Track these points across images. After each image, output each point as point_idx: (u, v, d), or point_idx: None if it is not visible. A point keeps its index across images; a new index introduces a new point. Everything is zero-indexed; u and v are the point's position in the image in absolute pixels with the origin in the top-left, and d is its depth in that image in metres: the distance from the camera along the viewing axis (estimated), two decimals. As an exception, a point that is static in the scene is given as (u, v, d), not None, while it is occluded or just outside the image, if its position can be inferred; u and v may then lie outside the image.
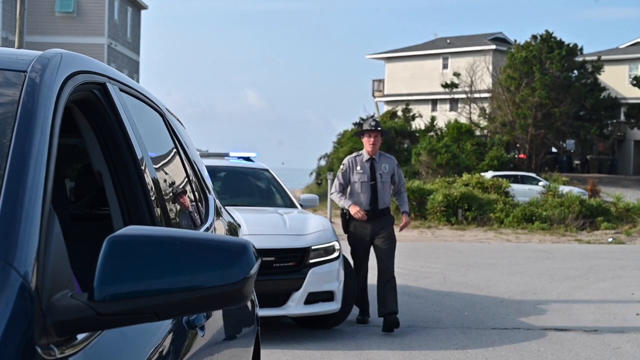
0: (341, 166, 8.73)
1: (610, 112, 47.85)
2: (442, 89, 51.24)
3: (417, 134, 46.17)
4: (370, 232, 8.47)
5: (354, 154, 8.81)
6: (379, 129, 8.63)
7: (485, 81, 48.40)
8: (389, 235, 8.53)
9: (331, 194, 8.75)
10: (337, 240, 8.20)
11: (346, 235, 8.70)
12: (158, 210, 2.36)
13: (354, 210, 8.43)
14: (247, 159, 10.48)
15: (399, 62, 59.06)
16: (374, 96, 60.36)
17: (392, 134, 45.56)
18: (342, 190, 8.63)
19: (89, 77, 2.13)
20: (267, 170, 10.11)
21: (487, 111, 47.78)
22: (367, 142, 8.60)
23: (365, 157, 8.64)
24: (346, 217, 8.63)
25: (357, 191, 8.55)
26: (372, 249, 8.63)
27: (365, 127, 8.69)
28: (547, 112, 44.35)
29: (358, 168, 8.59)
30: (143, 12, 46.15)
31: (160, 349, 2.04)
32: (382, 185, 8.57)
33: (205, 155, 10.35)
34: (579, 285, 12.24)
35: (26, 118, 1.68)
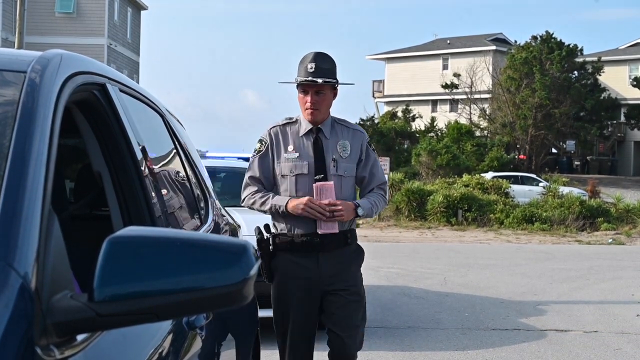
0: (257, 145, 4.47)
1: (611, 113, 47.90)
2: (442, 90, 51.26)
3: (417, 135, 46.20)
4: (316, 276, 4.31)
5: (284, 120, 4.49)
6: (327, 80, 4.36)
7: (485, 82, 48.43)
8: (352, 285, 4.37)
9: (242, 200, 4.49)
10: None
11: (270, 283, 4.45)
12: (158, 211, 2.36)
13: (294, 203, 4.27)
14: (247, 160, 10.48)
15: (399, 62, 59.09)
16: (374, 97, 60.40)
17: (392, 135, 45.58)
18: (261, 191, 4.42)
19: (89, 78, 2.13)
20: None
21: (487, 112, 47.81)
22: (302, 102, 4.41)
23: (304, 127, 4.41)
24: (267, 243, 4.38)
25: (288, 194, 4.36)
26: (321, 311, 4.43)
27: (300, 74, 4.39)
28: (547, 113, 44.38)
29: (290, 148, 4.39)
30: (143, 12, 46.17)
31: (160, 350, 2.04)
32: (338, 181, 4.37)
33: (206, 156, 10.35)
34: (579, 286, 12.24)
35: (26, 119, 1.68)
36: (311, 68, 4.36)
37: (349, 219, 4.33)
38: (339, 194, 4.37)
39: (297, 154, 4.39)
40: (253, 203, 4.41)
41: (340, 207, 4.29)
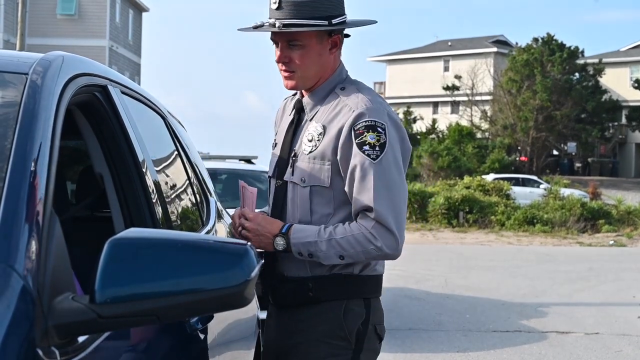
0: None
1: (612, 115, 47.88)
2: (443, 92, 51.27)
3: (419, 137, 46.21)
4: (271, 340, 2.66)
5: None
6: (295, 21, 2.43)
7: (486, 84, 48.43)
8: None
9: None
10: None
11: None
12: (159, 213, 2.36)
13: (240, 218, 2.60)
14: (249, 161, 10.47)
15: (400, 64, 59.07)
16: (375, 99, 60.36)
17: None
18: None
19: (91, 80, 2.13)
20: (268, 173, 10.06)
21: (489, 114, 47.81)
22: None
23: (295, 99, 2.71)
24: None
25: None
26: None
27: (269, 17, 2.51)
28: (549, 115, 44.38)
29: (280, 128, 2.78)
30: (144, 14, 46.19)
31: (161, 351, 2.04)
32: (293, 193, 2.56)
33: (207, 157, 10.35)
34: (580, 287, 12.24)
35: (28, 120, 1.69)
36: (274, 3, 2.49)
37: (258, 245, 2.49)
38: (292, 214, 2.55)
39: (275, 143, 2.75)
40: None
41: (248, 225, 2.52)
